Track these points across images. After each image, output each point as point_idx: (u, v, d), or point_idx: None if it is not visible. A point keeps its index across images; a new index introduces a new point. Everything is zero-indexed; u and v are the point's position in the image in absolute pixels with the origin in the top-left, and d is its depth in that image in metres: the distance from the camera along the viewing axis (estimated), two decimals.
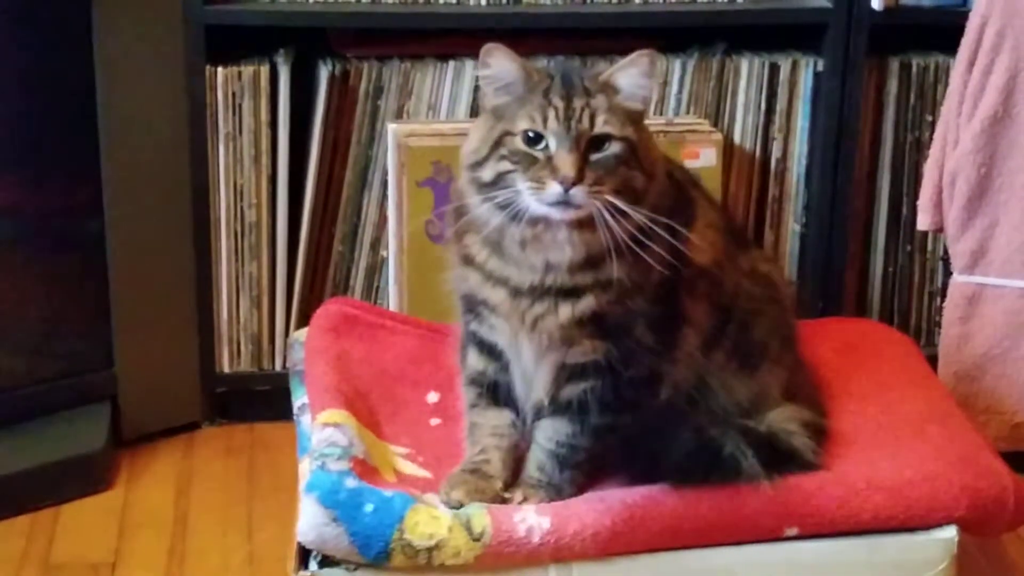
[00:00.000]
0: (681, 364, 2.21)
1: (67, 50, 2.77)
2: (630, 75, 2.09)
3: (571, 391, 2.18)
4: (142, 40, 2.80)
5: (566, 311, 2.12)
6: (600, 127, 2.05)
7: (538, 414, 2.22)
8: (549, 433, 2.20)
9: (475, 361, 2.26)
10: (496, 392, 2.25)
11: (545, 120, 2.04)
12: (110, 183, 2.84)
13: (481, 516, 2.07)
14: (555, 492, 2.18)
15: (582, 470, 2.20)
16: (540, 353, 2.17)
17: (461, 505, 2.11)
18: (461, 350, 2.30)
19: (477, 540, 2.04)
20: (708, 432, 2.13)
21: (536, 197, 2.03)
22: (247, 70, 2.91)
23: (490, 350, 2.23)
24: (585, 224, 2.06)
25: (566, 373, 2.18)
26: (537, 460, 2.21)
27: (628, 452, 2.16)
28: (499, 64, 2.09)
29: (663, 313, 2.16)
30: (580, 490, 2.19)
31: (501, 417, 2.24)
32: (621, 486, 2.16)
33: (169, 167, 2.90)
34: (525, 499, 2.17)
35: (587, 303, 2.11)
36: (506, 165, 2.06)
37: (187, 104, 2.88)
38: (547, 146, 2.04)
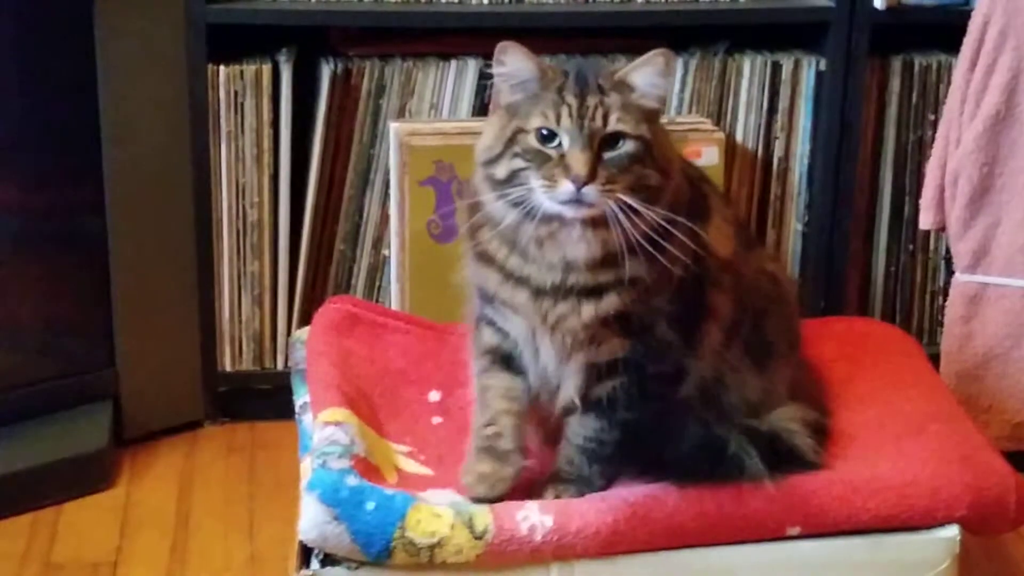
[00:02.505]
0: (705, 360, 2.21)
1: (69, 49, 2.77)
2: (645, 74, 2.08)
3: (600, 389, 2.18)
4: (144, 39, 2.80)
5: (589, 310, 2.11)
6: (613, 125, 2.04)
7: (566, 412, 2.22)
8: (577, 429, 2.20)
9: (489, 337, 2.24)
10: (510, 362, 2.23)
11: (558, 118, 2.04)
12: (112, 182, 2.84)
13: (483, 514, 2.07)
14: (585, 485, 2.18)
15: (612, 463, 2.19)
16: (565, 354, 2.17)
17: (487, 500, 2.11)
18: (476, 324, 2.27)
19: (479, 538, 2.04)
20: (714, 430, 2.13)
21: (549, 195, 2.03)
22: (249, 69, 2.91)
23: (505, 334, 2.22)
24: (599, 222, 2.05)
25: (595, 372, 2.17)
26: (566, 455, 2.21)
27: (635, 444, 2.15)
28: (514, 61, 2.09)
29: (686, 310, 2.16)
30: (610, 483, 2.18)
31: (513, 381, 2.22)
32: (627, 479, 2.16)
33: (171, 166, 2.90)
34: (557, 496, 2.17)
35: (610, 302, 2.10)
36: (519, 163, 2.06)
37: (189, 103, 2.88)
38: (560, 144, 2.04)
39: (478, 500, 2.13)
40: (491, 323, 2.23)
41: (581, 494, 2.17)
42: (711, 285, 2.20)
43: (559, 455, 2.22)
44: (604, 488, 2.18)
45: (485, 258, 2.16)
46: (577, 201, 2.02)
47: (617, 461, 2.19)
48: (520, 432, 2.19)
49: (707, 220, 2.18)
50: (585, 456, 2.20)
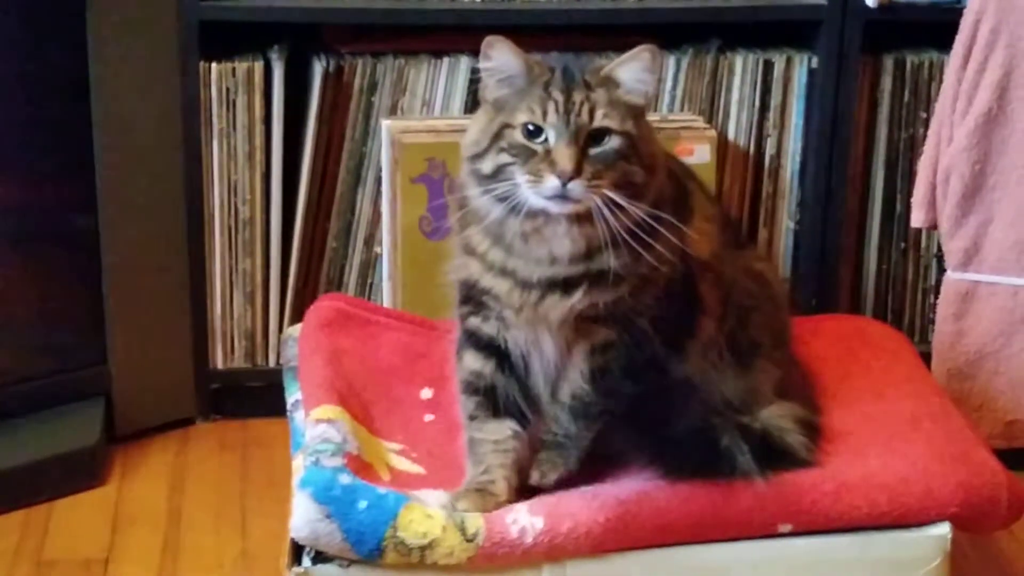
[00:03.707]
0: (698, 351, 2.21)
1: (61, 46, 2.77)
2: (631, 69, 2.08)
3: (595, 362, 2.18)
4: (136, 35, 2.79)
5: (573, 303, 2.11)
6: (599, 121, 2.05)
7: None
8: (565, 390, 2.19)
9: (471, 361, 2.24)
10: (495, 398, 2.23)
11: (545, 113, 2.04)
12: (104, 179, 2.83)
13: (475, 517, 2.07)
14: (573, 444, 2.18)
15: (595, 425, 2.19)
16: (568, 345, 2.17)
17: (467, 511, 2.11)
18: (457, 352, 2.28)
19: (470, 541, 2.04)
20: (711, 419, 2.13)
21: (534, 190, 2.03)
22: (241, 66, 2.91)
23: (487, 346, 2.22)
24: (584, 218, 2.05)
25: (591, 350, 2.17)
26: (551, 415, 2.20)
27: (633, 414, 2.15)
28: (501, 56, 2.09)
29: (677, 305, 2.17)
30: (594, 443, 2.19)
31: (502, 430, 2.21)
32: (618, 448, 2.17)
33: (163, 163, 2.89)
34: (543, 474, 2.17)
35: (593, 295, 2.11)
36: (505, 158, 2.06)
37: (181, 100, 2.88)
38: (546, 139, 2.04)
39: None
40: (473, 338, 2.23)
41: (567, 463, 2.17)
42: (701, 280, 2.20)
43: (544, 424, 2.22)
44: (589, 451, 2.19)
45: (468, 250, 2.16)
46: (562, 196, 2.02)
47: (617, 421, 2.18)
48: (511, 484, 2.18)
49: (687, 221, 2.18)
50: (570, 413, 2.19)
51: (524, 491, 2.18)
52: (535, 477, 2.18)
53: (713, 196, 2.44)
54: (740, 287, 2.28)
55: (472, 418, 2.24)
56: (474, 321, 2.22)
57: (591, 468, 2.21)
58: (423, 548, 2.03)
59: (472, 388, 2.24)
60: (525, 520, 2.07)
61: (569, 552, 2.07)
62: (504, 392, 2.22)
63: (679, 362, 2.19)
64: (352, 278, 3.04)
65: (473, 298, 2.20)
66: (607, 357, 2.17)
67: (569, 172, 2.01)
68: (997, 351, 2.81)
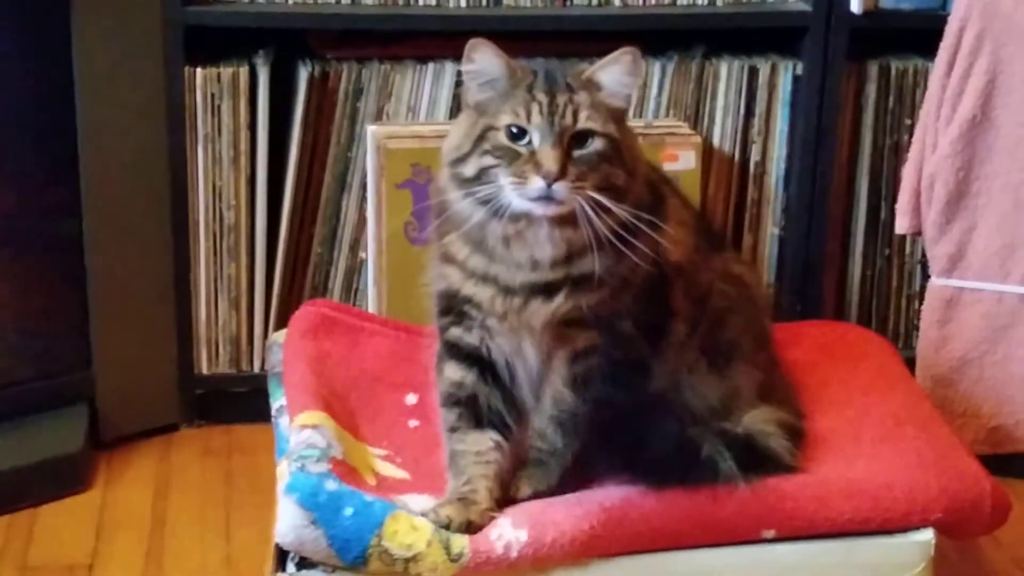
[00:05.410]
0: (671, 354, 2.21)
1: (45, 50, 2.76)
2: (613, 72, 2.09)
3: (576, 368, 2.17)
4: (121, 40, 2.79)
5: (556, 307, 2.11)
6: (583, 123, 2.05)
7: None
8: (550, 402, 2.19)
9: (452, 372, 2.23)
10: (476, 409, 2.21)
11: (529, 115, 2.04)
12: (88, 184, 2.83)
13: (460, 537, 2.05)
14: (557, 462, 2.18)
15: (577, 442, 2.19)
16: (549, 351, 2.17)
17: (450, 520, 2.08)
18: (437, 365, 2.27)
19: (455, 561, 2.03)
20: (688, 431, 2.13)
21: (518, 192, 2.03)
22: (226, 71, 2.91)
23: (468, 356, 2.21)
24: (567, 220, 2.05)
25: (572, 355, 2.17)
26: (538, 429, 2.20)
27: (609, 437, 2.15)
28: (483, 59, 2.09)
29: (651, 306, 2.17)
30: (576, 459, 2.18)
31: (483, 441, 2.20)
32: (600, 469, 2.17)
33: (147, 168, 2.89)
34: (519, 489, 2.16)
35: (575, 299, 2.11)
36: (489, 160, 2.06)
37: (166, 105, 2.88)
38: (530, 141, 2.04)
39: (442, 521, 2.09)
40: (454, 350, 2.22)
41: (549, 481, 2.17)
42: (672, 285, 2.20)
43: (529, 435, 2.21)
44: (571, 467, 2.18)
45: (447, 258, 2.16)
46: (547, 198, 2.02)
47: (593, 445, 2.18)
48: (493, 493, 2.16)
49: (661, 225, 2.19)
50: (556, 425, 2.18)
51: (507, 501, 2.18)
52: (514, 491, 2.18)
53: (690, 203, 2.44)
54: (716, 290, 2.28)
55: (453, 430, 2.22)
56: (456, 332, 2.21)
57: (575, 474, 2.20)
58: (407, 560, 2.02)
59: (453, 399, 2.23)
60: (510, 535, 2.05)
61: (555, 561, 2.06)
62: (486, 402, 2.21)
63: (656, 364, 2.19)
64: (337, 284, 3.04)
65: (454, 308, 2.19)
66: (589, 363, 2.17)
67: (554, 173, 2.01)
68: (981, 357, 2.81)
